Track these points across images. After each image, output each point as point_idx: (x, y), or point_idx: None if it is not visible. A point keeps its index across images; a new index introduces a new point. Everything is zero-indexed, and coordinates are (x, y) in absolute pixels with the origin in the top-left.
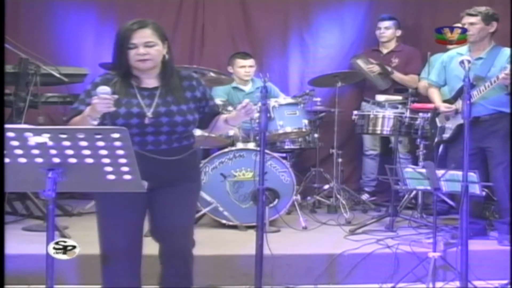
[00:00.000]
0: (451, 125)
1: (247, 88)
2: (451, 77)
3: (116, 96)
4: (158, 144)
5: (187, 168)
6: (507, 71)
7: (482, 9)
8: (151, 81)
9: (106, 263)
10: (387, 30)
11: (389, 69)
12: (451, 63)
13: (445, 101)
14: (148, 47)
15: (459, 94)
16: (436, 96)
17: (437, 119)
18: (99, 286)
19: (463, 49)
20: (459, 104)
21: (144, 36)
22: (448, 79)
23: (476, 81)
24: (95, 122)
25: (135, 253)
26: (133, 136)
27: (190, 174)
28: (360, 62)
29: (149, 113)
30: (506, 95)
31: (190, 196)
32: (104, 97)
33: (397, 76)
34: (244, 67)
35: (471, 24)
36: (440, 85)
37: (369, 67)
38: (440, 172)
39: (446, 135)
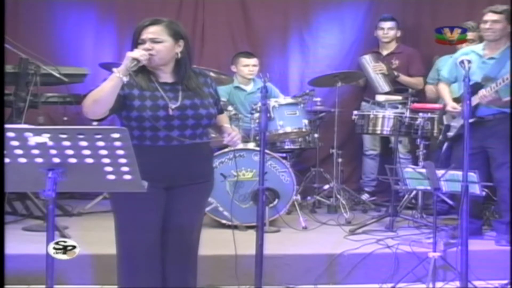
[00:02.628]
0: (456, 123)
1: (249, 88)
2: (462, 75)
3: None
4: (183, 139)
5: (205, 165)
6: (484, 92)
7: (505, 7)
8: (167, 76)
9: (126, 262)
10: (390, 31)
11: (395, 72)
12: None
13: (454, 99)
14: (154, 43)
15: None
16: (446, 93)
17: (444, 117)
18: (100, 286)
19: (479, 47)
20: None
21: (152, 32)
22: (459, 77)
23: (485, 82)
24: (125, 79)
25: (155, 252)
26: (158, 130)
27: (207, 172)
28: (367, 58)
29: (175, 106)
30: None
31: (204, 198)
32: (143, 48)
33: (403, 79)
34: (248, 66)
35: (494, 21)
36: (450, 81)
37: (376, 65)
38: (440, 172)
39: (451, 134)
